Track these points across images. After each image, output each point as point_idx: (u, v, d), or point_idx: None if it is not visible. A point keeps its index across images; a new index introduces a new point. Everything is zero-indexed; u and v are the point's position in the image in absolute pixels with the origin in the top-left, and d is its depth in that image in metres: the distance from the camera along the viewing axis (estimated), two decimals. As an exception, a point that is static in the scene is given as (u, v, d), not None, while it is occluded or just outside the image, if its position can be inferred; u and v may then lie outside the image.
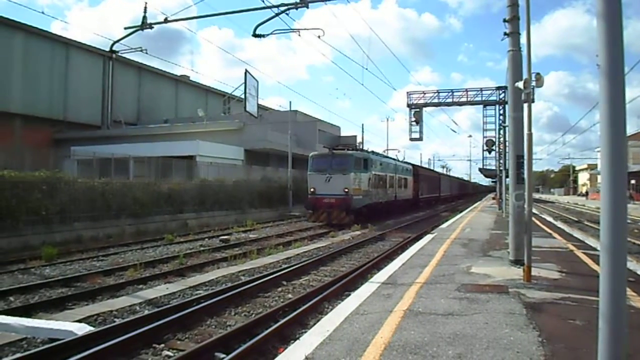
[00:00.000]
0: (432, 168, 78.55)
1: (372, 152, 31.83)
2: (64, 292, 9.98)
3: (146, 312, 8.46)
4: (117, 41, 22.15)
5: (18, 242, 16.33)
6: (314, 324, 7.00)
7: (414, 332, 5.71)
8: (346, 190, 24.65)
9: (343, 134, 53.91)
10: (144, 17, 20.35)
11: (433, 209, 47.43)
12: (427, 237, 16.59)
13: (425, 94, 38.46)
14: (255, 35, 18.46)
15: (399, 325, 5.97)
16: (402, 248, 15.74)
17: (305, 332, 6.52)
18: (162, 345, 6.90)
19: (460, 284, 8.52)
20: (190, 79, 55.36)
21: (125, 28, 20.81)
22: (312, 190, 25.58)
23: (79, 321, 7.68)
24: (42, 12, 53.57)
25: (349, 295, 8.41)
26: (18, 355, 6.38)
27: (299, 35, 19.78)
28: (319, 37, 19.08)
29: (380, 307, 6.98)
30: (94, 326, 7.47)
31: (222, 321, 8.04)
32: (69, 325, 7.27)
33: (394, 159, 38.23)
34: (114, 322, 7.88)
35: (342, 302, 7.75)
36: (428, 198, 50.81)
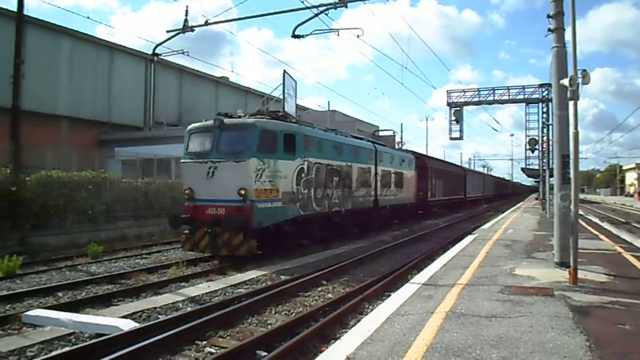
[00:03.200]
0: (457, 164, 62.38)
1: (327, 129, 19.00)
2: (110, 289, 10.25)
3: (189, 309, 8.62)
4: (160, 44, 22.64)
5: (65, 239, 16.89)
6: (354, 324, 6.99)
7: (456, 334, 5.63)
8: (243, 191, 12.97)
9: (382, 133, 53.66)
10: (185, 20, 20.71)
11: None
12: (469, 238, 16.33)
13: (465, 92, 37.87)
14: (294, 36, 18.57)
15: (441, 327, 5.90)
16: (443, 249, 15.56)
17: (346, 332, 6.51)
18: (205, 342, 7.01)
19: (504, 285, 8.35)
20: (230, 80, 56.05)
21: (168, 31, 21.21)
22: (187, 192, 13.96)
23: (125, 317, 7.88)
24: (88, 17, 55.44)
25: (390, 295, 8.36)
26: (67, 348, 6.61)
27: (338, 35, 19.76)
28: (358, 36, 19.00)
29: (422, 308, 6.91)
30: (138, 322, 7.65)
31: (262, 319, 8.12)
32: (115, 321, 7.48)
33: (374, 143, 23.38)
34: (158, 318, 8.05)
35: (383, 303, 7.70)
36: (445, 201, 38.80)
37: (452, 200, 41.31)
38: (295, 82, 42.60)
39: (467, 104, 37.30)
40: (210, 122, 13.98)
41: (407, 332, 5.71)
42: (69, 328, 7.40)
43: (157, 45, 22.41)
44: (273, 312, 8.62)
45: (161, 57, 28.24)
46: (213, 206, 13.46)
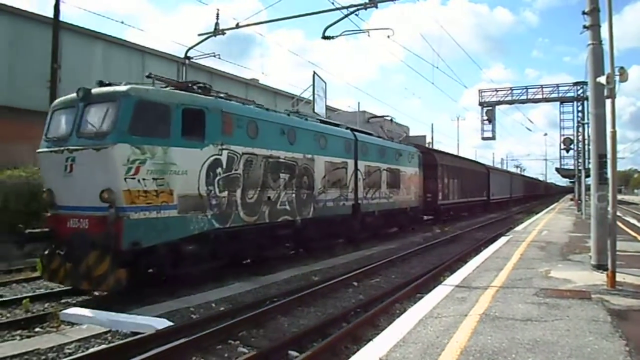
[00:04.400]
0: (476, 160, 53.86)
1: (266, 108, 13.59)
2: (144, 288, 10.38)
3: (221, 308, 8.71)
4: (191, 47, 22.91)
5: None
6: (386, 325, 6.96)
7: (491, 337, 5.54)
8: (106, 194, 8.68)
9: (412, 133, 53.24)
10: (217, 24, 20.90)
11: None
12: (502, 240, 16.09)
13: (498, 91, 37.40)
14: (325, 37, 18.54)
15: (475, 330, 5.82)
16: (476, 250, 15.36)
17: (378, 333, 6.48)
18: (237, 341, 7.09)
19: (539, 288, 8.20)
20: (260, 82, 56.46)
21: (199, 35, 21.44)
22: (45, 196, 9.93)
23: (159, 316, 8.00)
24: (122, 22, 56.83)
25: (422, 297, 8.30)
26: (103, 346, 6.76)
27: (369, 35, 19.66)
28: (388, 36, 18.91)
29: (455, 310, 6.83)
30: (173, 321, 7.76)
31: (294, 320, 8.15)
32: (150, 319, 7.61)
33: (354, 131, 18.42)
34: (192, 318, 8.16)
35: (415, 305, 7.64)
36: (463, 204, 33.91)
37: (471, 203, 36.42)
38: (325, 83, 42.58)
39: (499, 103, 36.85)
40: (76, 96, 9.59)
41: (440, 335, 5.66)
42: (105, 326, 7.56)
43: (189, 49, 22.68)
44: (305, 312, 8.65)
45: (193, 60, 28.60)
46: (75, 216, 9.19)
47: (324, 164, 15.25)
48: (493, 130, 37.02)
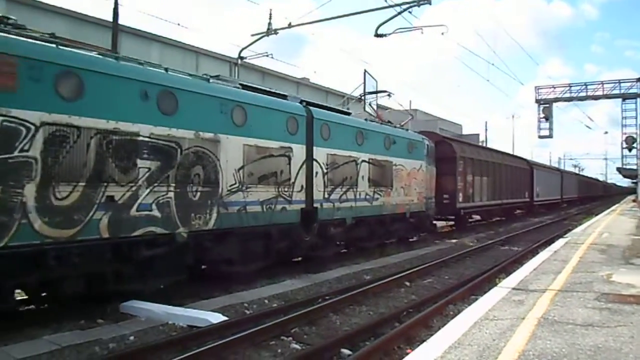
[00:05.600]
0: (516, 155, 41.88)
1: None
2: (200, 284, 10.63)
3: (274, 305, 8.84)
4: (245, 47, 23.29)
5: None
6: (440, 327, 6.88)
7: (550, 342, 5.38)
8: None
9: (465, 132, 52.32)
10: (269, 24, 21.15)
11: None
12: (560, 242, 15.58)
13: (555, 88, 36.24)
14: (377, 36, 18.48)
15: (533, 334, 5.66)
16: (532, 252, 14.96)
17: (432, 334, 6.41)
18: (290, 337, 7.17)
19: (600, 293, 7.88)
20: (311, 80, 56.78)
21: (252, 35, 21.73)
22: None
23: (214, 311, 8.18)
24: (178, 24, 58.18)
25: (476, 299, 8.15)
26: (162, 338, 6.99)
27: (422, 32, 19.44)
28: (442, 33, 18.61)
29: (511, 313, 6.67)
30: (227, 316, 7.92)
31: (346, 319, 8.18)
32: (206, 314, 7.81)
33: (308, 104, 13.09)
34: (245, 313, 8.31)
35: (470, 307, 7.51)
36: (496, 207, 28.11)
37: (507, 206, 30.46)
38: (376, 81, 42.42)
39: (557, 100, 35.71)
40: None
41: (497, 338, 5.53)
42: (162, 319, 7.81)
43: (242, 49, 23.10)
44: (356, 311, 8.66)
45: (246, 60, 29.06)
46: None
47: (243, 149, 10.35)
48: (550, 129, 35.92)
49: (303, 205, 12.09)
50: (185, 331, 7.32)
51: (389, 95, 20.43)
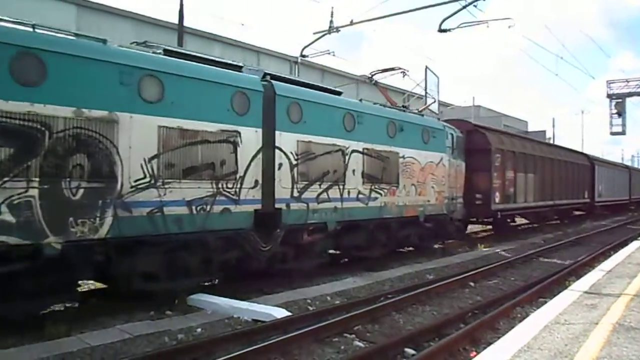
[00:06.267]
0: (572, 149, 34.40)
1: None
2: (262, 279, 10.79)
3: (336, 302, 8.88)
4: (307, 46, 23.41)
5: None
6: (507, 329, 6.70)
7: (626, 349, 5.13)
8: None
9: (531, 128, 50.60)
10: (331, 22, 21.19)
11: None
12: (634, 244, 14.83)
13: (628, 82, 34.46)
14: (441, 31, 18.14)
15: (607, 340, 5.42)
16: (604, 255, 14.32)
17: (498, 337, 6.26)
18: (353, 335, 7.18)
19: (682, 299, 7.45)
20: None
21: (315, 33, 21.83)
22: None
23: (277, 306, 8.30)
24: (242, 24, 59.36)
25: (545, 302, 7.89)
26: (228, 331, 7.17)
27: (488, 26, 18.93)
28: (509, 27, 18.07)
29: (584, 318, 6.41)
30: (290, 311, 8.02)
31: (409, 318, 8.11)
32: (270, 308, 7.93)
33: (272, 78, 10.41)
34: (308, 309, 8.39)
35: (539, 310, 7.28)
36: (547, 209, 24.19)
37: (561, 207, 26.12)
38: (438, 77, 41.74)
39: (630, 94, 33.95)
40: None
41: (569, 343, 5.33)
42: (227, 312, 8.01)
43: (304, 47, 23.22)
44: (420, 310, 8.57)
45: (307, 58, 29.27)
46: None
47: (158, 132, 7.99)
48: (623, 125, 34.26)
49: (258, 206, 9.52)
50: (250, 325, 7.46)
51: (403, 73, 15.96)
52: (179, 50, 9.34)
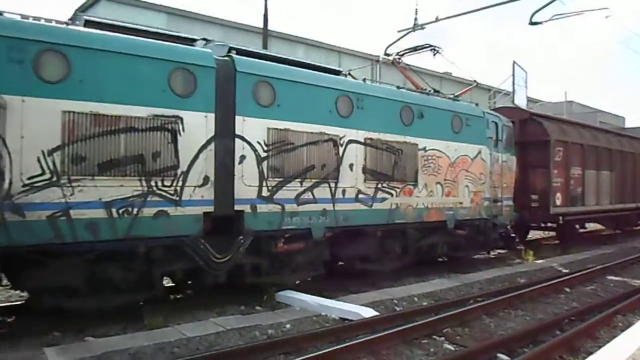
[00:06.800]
0: None
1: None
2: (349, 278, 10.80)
3: (424, 303, 8.77)
4: (391, 45, 23.18)
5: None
6: (609, 339, 6.34)
7: None
8: None
9: (628, 124, 47.41)
10: (415, 19, 20.89)
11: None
12: None
13: None
14: (532, 24, 17.36)
15: None
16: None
17: (599, 346, 5.94)
18: (442, 337, 7.06)
19: None
20: (453, 74, 55.24)
21: (399, 31, 21.62)
22: None
23: (364, 305, 8.30)
24: (323, 25, 59.93)
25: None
26: (317, 328, 7.30)
27: (582, 17, 17.91)
28: (606, 17, 17.01)
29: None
30: (378, 311, 8.01)
31: (500, 322, 7.86)
32: (358, 308, 7.96)
33: (239, 55, 8.64)
34: (395, 309, 8.35)
35: (644, 319, 6.83)
36: (628, 212, 20.43)
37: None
38: (526, 72, 40.07)
39: None
40: None
41: (682, 357, 4.97)
42: (315, 310, 8.13)
43: (388, 46, 22.97)
44: (512, 315, 8.29)
45: (390, 56, 29.03)
46: None
47: (62, 118, 6.65)
48: None
49: (209, 208, 7.90)
50: (338, 323, 7.54)
51: (433, 51, 13.43)
52: (102, 21, 7.67)
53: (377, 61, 43.57)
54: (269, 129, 8.55)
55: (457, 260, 12.67)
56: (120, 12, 18.99)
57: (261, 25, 21.23)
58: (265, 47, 20.07)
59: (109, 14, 17.84)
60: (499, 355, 6.31)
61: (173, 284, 9.12)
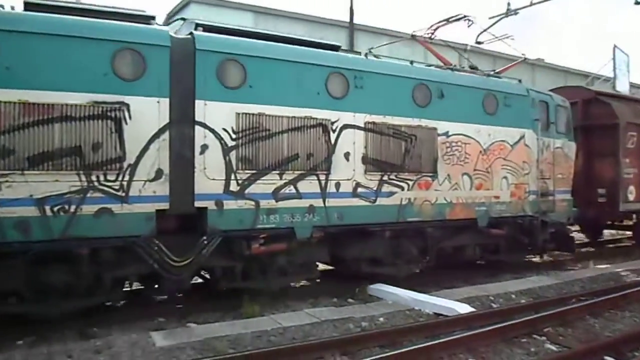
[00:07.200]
0: None
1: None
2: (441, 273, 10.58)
3: (522, 301, 8.49)
4: (483, 31, 22.46)
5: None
6: None
7: None
8: None
9: None
10: (508, 4, 20.11)
11: None
12: None
13: None
14: (637, 3, 16.15)
15: None
16: None
17: None
18: (543, 337, 6.79)
19: None
20: (545, 61, 52.67)
21: (490, 18, 20.90)
22: None
23: (459, 301, 8.16)
24: (409, 15, 58.91)
25: None
26: (411, 322, 7.25)
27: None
28: None
29: None
30: (474, 307, 7.84)
31: (607, 323, 7.45)
32: (453, 303, 7.88)
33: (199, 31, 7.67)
34: (492, 306, 8.17)
35: None
36: None
37: None
38: (628, 56, 37.41)
39: None
40: None
41: None
42: (408, 304, 8.11)
43: (479, 34, 22.28)
44: (618, 316, 7.82)
45: (483, 44, 28.12)
46: None
47: None
48: None
49: (164, 205, 7.08)
50: (432, 318, 7.46)
51: (468, 21, 11.69)
52: (40, 2, 6.90)
53: (466, 50, 42.40)
54: (238, 114, 7.57)
55: (495, 265, 11.05)
56: (209, 13, 19.69)
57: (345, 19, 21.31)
58: (351, 41, 20.10)
59: (199, 15, 18.57)
60: (607, 358, 6.00)
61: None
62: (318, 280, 9.59)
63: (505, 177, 10.41)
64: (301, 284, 9.42)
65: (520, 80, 11.48)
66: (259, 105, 7.71)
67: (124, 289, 7.80)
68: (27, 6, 6.79)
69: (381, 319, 7.45)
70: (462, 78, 10.23)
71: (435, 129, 9.44)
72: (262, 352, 5.71)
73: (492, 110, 10.23)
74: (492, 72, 11.49)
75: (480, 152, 10.05)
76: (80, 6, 7.31)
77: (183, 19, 8.36)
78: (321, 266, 9.35)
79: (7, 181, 6.14)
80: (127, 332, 6.66)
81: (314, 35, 18.73)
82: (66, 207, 6.45)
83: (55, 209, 6.40)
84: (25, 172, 6.25)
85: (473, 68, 11.33)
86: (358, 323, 7.21)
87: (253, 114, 7.66)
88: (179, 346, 6.07)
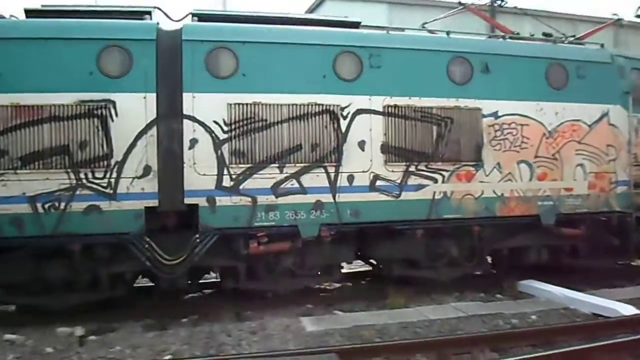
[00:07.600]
0: None
1: None
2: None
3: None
4: (640, 8, 20.42)
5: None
6: None
7: None
8: None
9: None
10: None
11: None
12: None
13: None
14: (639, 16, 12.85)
15: None
16: None
17: None
18: None
19: None
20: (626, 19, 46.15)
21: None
22: None
23: (621, 302, 7.50)
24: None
25: None
26: (567, 322, 6.82)
27: None
28: None
29: None
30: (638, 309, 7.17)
31: None
32: (614, 304, 7.24)
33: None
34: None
35: None
36: None
37: None
38: None
39: None
40: None
41: None
42: (563, 303, 7.61)
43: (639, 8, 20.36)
44: None
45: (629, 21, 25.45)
46: None
47: None
48: None
49: (153, 202, 6.96)
50: (590, 319, 6.95)
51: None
52: (42, 8, 7.23)
53: (622, 25, 38.37)
54: (229, 104, 7.19)
55: (570, 271, 9.16)
56: (343, 8, 19.98)
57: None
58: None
59: (334, 11, 18.92)
60: None
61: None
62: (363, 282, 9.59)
63: (580, 165, 8.61)
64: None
65: (602, 45, 9.37)
66: (254, 94, 7.29)
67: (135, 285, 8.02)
68: (28, 14, 7.18)
69: (533, 316, 7.13)
70: (516, 47, 8.70)
71: (479, 109, 8.13)
72: (407, 343, 5.76)
73: (560, 84, 8.56)
74: (569, 38, 9.71)
75: (544, 134, 8.44)
76: (78, 8, 7.42)
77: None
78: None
79: (2, 180, 6.51)
80: (278, 317, 7.06)
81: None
82: (56, 204, 6.68)
83: (46, 206, 6.65)
84: (18, 171, 6.56)
85: (547, 35, 9.62)
86: (508, 320, 6.97)
87: (247, 104, 7.26)
88: (327, 332, 6.31)
